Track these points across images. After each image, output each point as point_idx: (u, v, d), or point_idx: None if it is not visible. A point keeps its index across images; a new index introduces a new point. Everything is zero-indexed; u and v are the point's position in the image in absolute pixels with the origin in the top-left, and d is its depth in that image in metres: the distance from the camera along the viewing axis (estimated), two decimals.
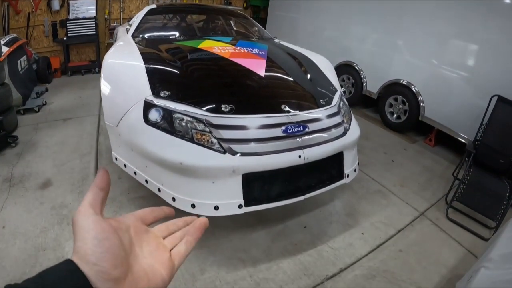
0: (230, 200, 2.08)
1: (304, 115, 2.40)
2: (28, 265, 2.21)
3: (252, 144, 2.12)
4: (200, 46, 3.11)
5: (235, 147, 2.08)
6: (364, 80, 5.58)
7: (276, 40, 4.15)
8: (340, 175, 2.53)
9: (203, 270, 2.25)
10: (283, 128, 2.23)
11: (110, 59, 2.75)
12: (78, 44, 7.23)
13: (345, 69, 5.87)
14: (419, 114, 4.69)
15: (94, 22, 6.89)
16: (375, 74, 5.41)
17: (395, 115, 5.11)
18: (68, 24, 6.74)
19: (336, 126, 2.53)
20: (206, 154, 2.04)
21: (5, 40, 4.91)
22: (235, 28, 4.49)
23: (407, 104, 4.87)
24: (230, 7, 6.08)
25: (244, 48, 3.15)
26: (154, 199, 2.72)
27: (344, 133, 2.55)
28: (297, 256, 2.43)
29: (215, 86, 2.55)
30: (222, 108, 2.20)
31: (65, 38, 6.82)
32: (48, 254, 2.31)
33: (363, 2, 5.45)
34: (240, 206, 2.09)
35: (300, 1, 7.02)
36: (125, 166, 2.49)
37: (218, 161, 2.02)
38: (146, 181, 2.29)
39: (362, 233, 2.73)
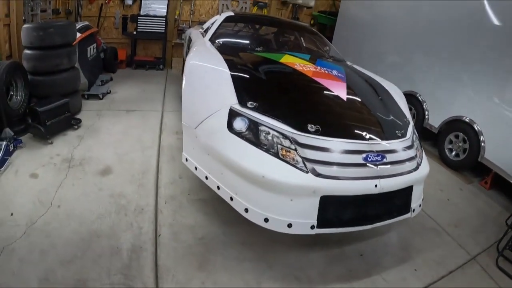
0: (304, 219, 2.09)
1: (383, 144, 2.39)
2: (80, 249, 2.25)
3: (334, 168, 2.13)
4: (282, 61, 3.13)
5: (318, 168, 2.08)
6: (426, 113, 5.40)
7: (348, 63, 4.12)
8: (407, 208, 2.52)
9: (259, 283, 2.23)
10: (364, 155, 2.24)
11: (194, 61, 2.82)
12: (146, 39, 7.50)
13: (407, 99, 5.66)
14: (478, 154, 4.47)
15: (164, 21, 7.12)
16: (438, 107, 5.23)
17: (453, 153, 4.90)
18: (139, 20, 7.02)
19: (410, 159, 2.51)
20: (290, 171, 2.04)
21: (78, 26, 5.18)
22: (309, 45, 4.49)
23: (467, 142, 4.66)
24: (303, 23, 6.11)
25: (324, 69, 3.14)
26: (214, 203, 2.79)
27: (417, 168, 2.53)
28: (351, 283, 2.38)
29: (301, 104, 2.55)
30: (308, 127, 2.20)
31: (134, 33, 7.10)
32: (102, 241, 2.35)
33: (430, 30, 5.37)
34: (312, 227, 2.09)
35: (366, 23, 6.99)
36: (195, 168, 2.52)
37: (301, 180, 2.02)
38: (218, 187, 2.30)
39: (415, 269, 2.66)
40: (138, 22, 7.02)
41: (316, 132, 2.19)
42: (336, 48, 4.54)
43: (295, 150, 2.10)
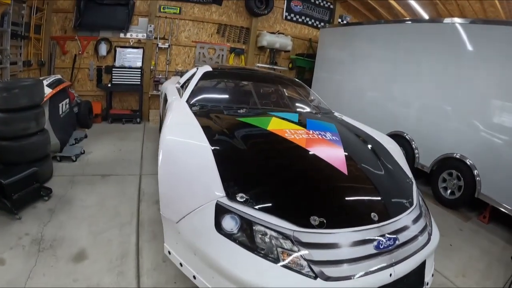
0: None
1: (394, 224, 2.14)
2: None
3: (345, 266, 1.85)
4: (269, 128, 2.84)
5: (327, 270, 1.79)
6: (416, 152, 5.29)
7: (337, 115, 3.94)
8: (421, 283, 2.28)
9: None
10: (375, 243, 1.98)
11: (170, 135, 2.53)
12: (122, 92, 7.28)
13: (395, 140, 5.54)
14: (475, 190, 4.37)
15: (140, 73, 6.94)
16: (427, 146, 5.13)
17: (449, 191, 4.78)
18: (113, 71, 6.81)
19: (422, 231, 2.30)
20: (294, 280, 1.75)
21: (48, 81, 4.82)
22: (294, 97, 4.29)
23: (462, 179, 4.56)
24: (280, 73, 5.98)
25: (317, 132, 2.89)
26: None
27: (429, 240, 2.30)
28: None
29: (300, 189, 2.23)
30: (311, 221, 1.92)
31: (109, 85, 6.87)
32: None
33: (408, 62, 5.45)
34: None
35: (344, 62, 6.98)
36: (181, 264, 2.17)
37: None
38: None
39: None
40: (113, 74, 6.81)
41: (320, 226, 1.91)
42: (316, 90, 4.44)
43: (299, 251, 1.81)
